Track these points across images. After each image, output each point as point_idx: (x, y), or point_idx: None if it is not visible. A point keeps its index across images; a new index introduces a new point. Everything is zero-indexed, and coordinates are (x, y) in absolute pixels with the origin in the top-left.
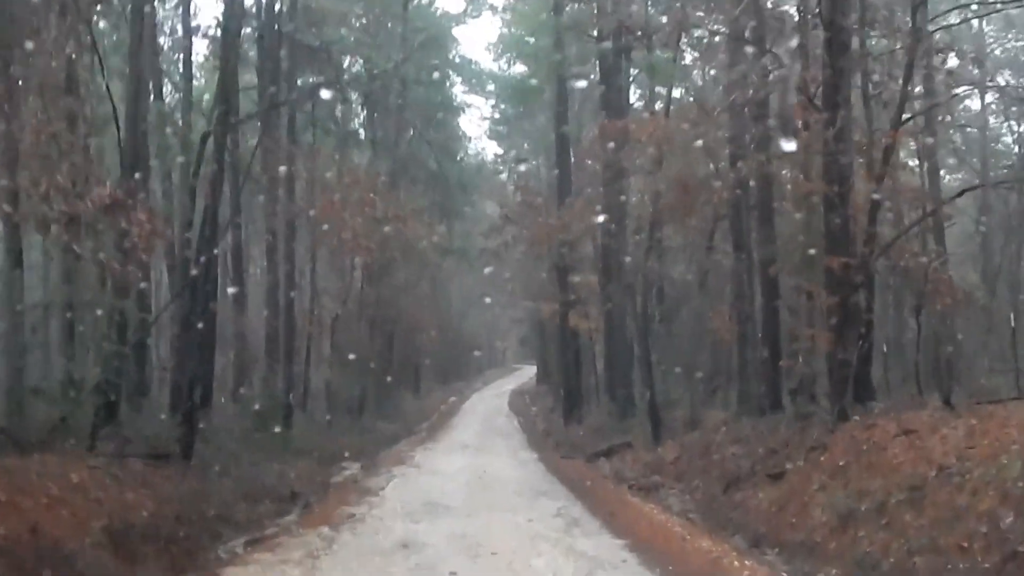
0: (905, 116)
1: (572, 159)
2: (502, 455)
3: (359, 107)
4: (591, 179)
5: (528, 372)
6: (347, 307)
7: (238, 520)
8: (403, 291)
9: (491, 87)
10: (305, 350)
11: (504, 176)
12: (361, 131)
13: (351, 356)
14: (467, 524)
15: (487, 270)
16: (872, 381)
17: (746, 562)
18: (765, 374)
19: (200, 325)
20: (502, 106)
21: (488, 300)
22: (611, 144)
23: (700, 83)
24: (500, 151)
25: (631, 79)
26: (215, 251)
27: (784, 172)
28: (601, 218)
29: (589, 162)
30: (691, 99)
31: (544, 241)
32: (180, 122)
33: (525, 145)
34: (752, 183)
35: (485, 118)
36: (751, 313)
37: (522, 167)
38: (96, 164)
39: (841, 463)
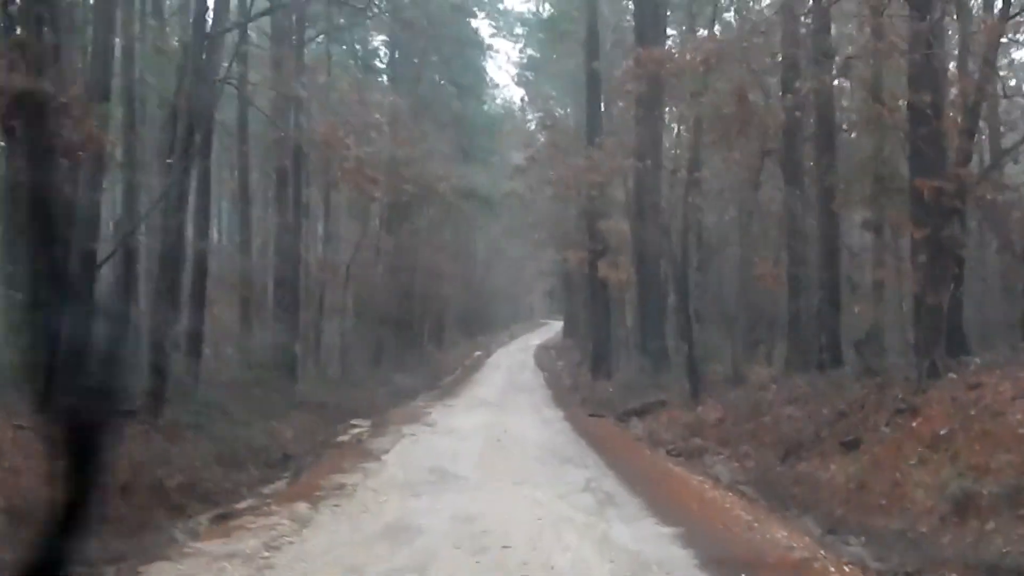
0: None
1: (603, 100)
2: (525, 413)
3: (381, 47)
4: (623, 119)
5: (555, 327)
6: (362, 252)
7: (208, 490)
8: (423, 237)
9: (519, 30)
10: (318, 298)
11: (532, 125)
12: (383, 69)
13: (367, 305)
14: (476, 501)
15: (512, 217)
16: (965, 331)
17: (845, 567)
18: (823, 324)
19: (176, 260)
20: (529, 51)
21: (514, 252)
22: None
23: None
24: (527, 98)
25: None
26: (190, 181)
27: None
28: (634, 158)
29: (621, 104)
30: (737, 17)
31: (572, 184)
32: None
33: (553, 93)
34: (805, 108)
35: (512, 61)
36: (804, 255)
37: (550, 102)
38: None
39: (942, 431)
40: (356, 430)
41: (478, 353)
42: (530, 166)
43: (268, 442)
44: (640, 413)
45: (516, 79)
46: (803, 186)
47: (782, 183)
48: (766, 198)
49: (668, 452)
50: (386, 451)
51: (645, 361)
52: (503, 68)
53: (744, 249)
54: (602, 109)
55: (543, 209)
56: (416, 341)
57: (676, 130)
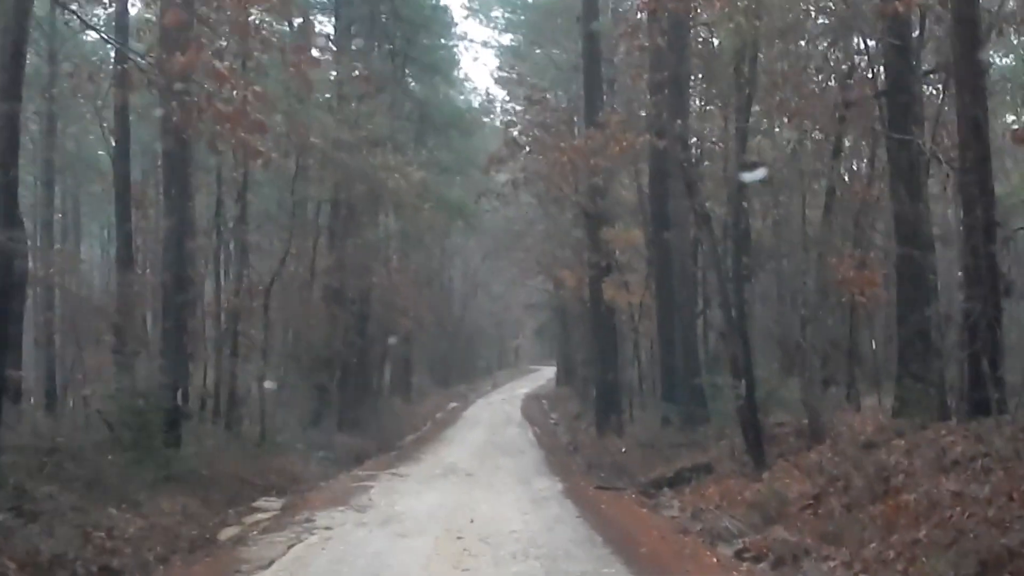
0: None
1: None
2: (507, 485)
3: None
4: (631, 92)
5: (546, 374)
6: (292, 270)
7: None
8: (379, 255)
9: (497, 12)
10: (230, 333)
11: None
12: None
13: (301, 343)
14: None
15: (494, 240)
16: None
17: None
18: (975, 347)
19: None
20: (510, 36)
21: (497, 286)
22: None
23: None
24: (509, 94)
25: None
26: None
27: None
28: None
29: (630, 80)
30: None
31: (568, 174)
32: None
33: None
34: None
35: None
36: (924, 242)
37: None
38: None
39: None
40: (253, 518)
41: (453, 405)
42: (512, 153)
43: (79, 550)
44: (674, 483)
45: (496, 78)
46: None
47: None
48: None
49: (739, 555)
50: (268, 563)
51: (670, 410)
52: (480, 64)
53: (819, 246)
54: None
55: (530, 217)
56: (371, 391)
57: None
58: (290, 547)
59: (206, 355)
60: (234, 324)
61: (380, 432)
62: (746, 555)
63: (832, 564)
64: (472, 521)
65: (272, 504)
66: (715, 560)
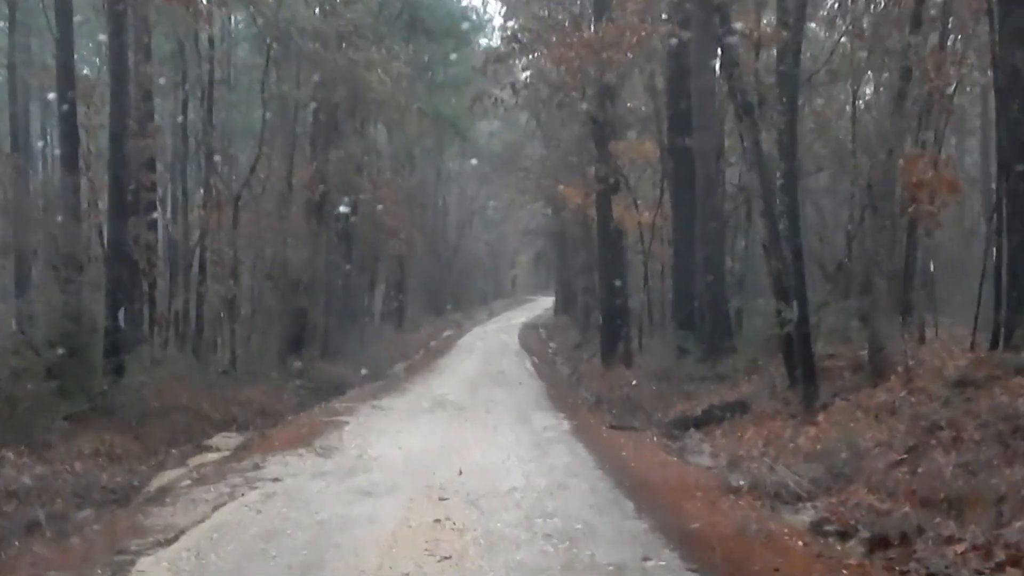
0: None
1: None
2: (505, 422)
3: None
4: None
5: (543, 304)
6: (267, 181)
7: None
8: (365, 169)
9: None
10: (195, 249)
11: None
12: None
13: (278, 263)
14: None
15: (491, 162)
16: None
17: None
18: None
19: None
20: None
21: (493, 214)
22: None
23: None
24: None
25: None
26: None
27: None
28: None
29: None
30: None
31: (575, 71)
32: None
33: None
34: None
35: None
36: None
37: None
38: None
39: None
40: (200, 460)
41: (448, 333)
42: (512, 51)
43: None
44: (701, 424)
45: None
46: None
47: None
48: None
49: (818, 528)
50: (167, 542)
51: (686, 339)
52: None
53: (886, 143)
54: None
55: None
56: (359, 317)
57: None
58: (216, 508)
59: (168, 273)
60: (201, 240)
61: (367, 361)
62: (827, 528)
63: (959, 549)
64: (460, 473)
65: (229, 442)
66: (801, 543)
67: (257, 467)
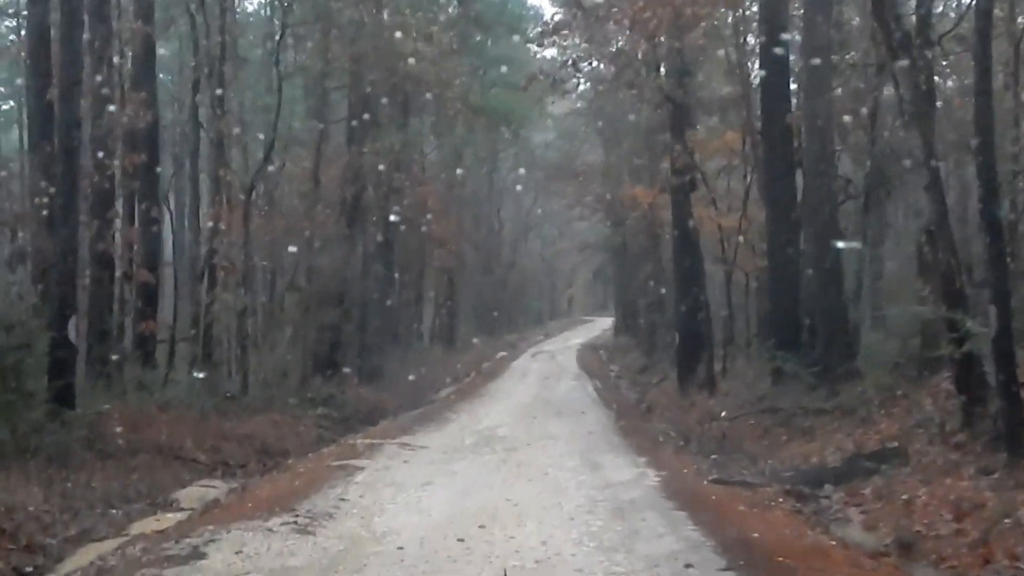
0: None
1: None
2: (567, 470)
3: None
4: None
5: (600, 324)
6: (276, 169)
7: None
8: (399, 163)
9: None
10: (204, 257)
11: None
12: None
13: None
14: None
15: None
16: None
17: None
18: None
19: None
20: None
21: (550, 229)
22: None
23: None
24: None
25: None
26: None
27: None
28: None
29: None
30: None
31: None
32: None
33: None
34: None
35: None
36: None
37: None
38: None
39: None
40: (147, 524)
41: (501, 354)
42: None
43: None
44: (842, 478)
45: None
46: None
47: None
48: None
49: None
50: None
51: (786, 360)
52: None
53: None
54: None
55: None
56: (401, 335)
57: None
58: None
59: (174, 281)
60: (209, 241)
61: (410, 384)
62: None
63: None
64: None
65: (204, 494)
66: None
67: (197, 552)
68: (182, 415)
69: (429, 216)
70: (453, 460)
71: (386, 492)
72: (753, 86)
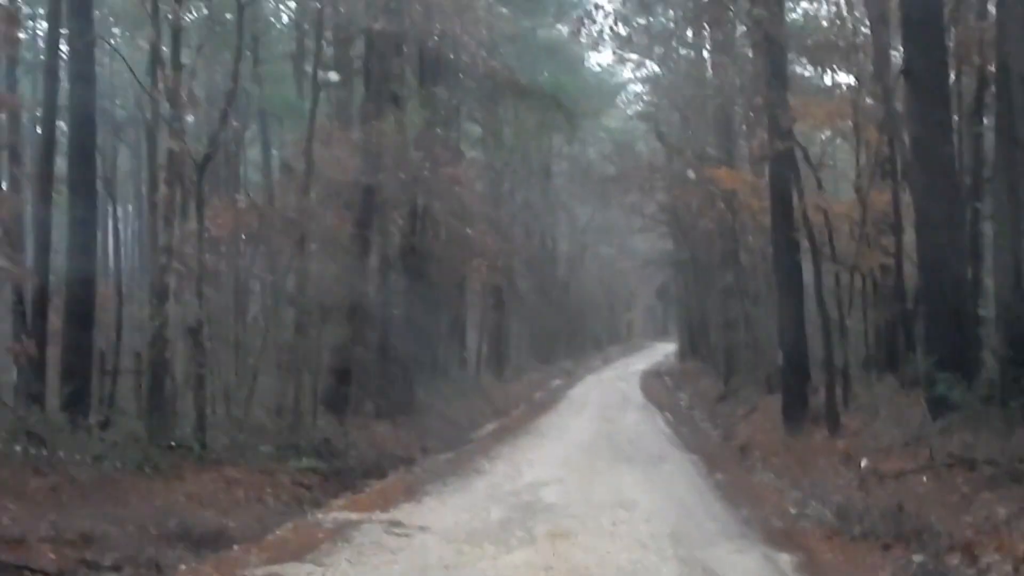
0: None
1: None
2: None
3: None
4: None
5: (662, 350)
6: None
7: None
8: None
9: None
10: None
11: None
12: None
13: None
14: None
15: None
16: None
17: None
18: None
19: None
20: None
21: (607, 247)
22: None
23: None
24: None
25: None
26: None
27: None
28: None
29: None
30: None
31: None
32: None
33: None
34: None
35: None
36: None
37: None
38: None
39: None
40: None
41: (556, 383)
42: None
43: None
44: None
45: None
46: None
47: None
48: None
49: None
50: None
51: (950, 386)
52: None
53: None
54: None
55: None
56: (443, 363)
57: None
58: None
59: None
60: (153, 234)
61: (443, 420)
62: None
63: None
64: None
65: None
66: None
67: None
68: (76, 478)
69: (468, 229)
70: (461, 561)
71: None
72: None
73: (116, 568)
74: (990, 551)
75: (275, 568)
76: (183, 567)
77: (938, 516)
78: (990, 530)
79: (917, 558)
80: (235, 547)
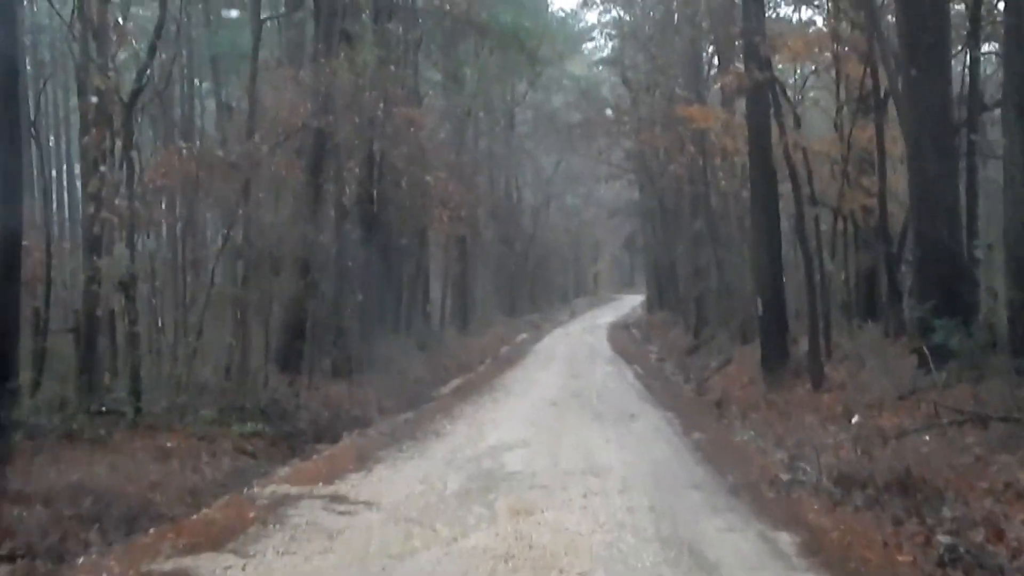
0: None
1: None
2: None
3: None
4: None
5: (629, 302)
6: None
7: None
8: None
9: None
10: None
11: None
12: None
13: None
14: None
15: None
16: None
17: None
18: None
19: None
20: None
21: (573, 198)
22: None
23: None
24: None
25: None
26: None
27: None
28: None
29: None
30: None
31: None
32: None
33: None
34: None
35: None
36: None
37: None
38: None
39: None
40: None
41: (522, 336)
42: None
43: None
44: None
45: None
46: None
47: None
48: None
49: None
50: None
51: (949, 333)
52: None
53: None
54: None
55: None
56: (398, 317)
57: None
58: None
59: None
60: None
61: (404, 378)
62: None
63: None
64: None
65: None
66: None
67: None
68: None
69: (419, 151)
70: (408, 547)
71: None
72: None
73: (11, 558)
74: (1017, 524)
75: (186, 560)
76: (82, 560)
77: (949, 482)
78: (1013, 499)
79: (944, 539)
80: (151, 531)
